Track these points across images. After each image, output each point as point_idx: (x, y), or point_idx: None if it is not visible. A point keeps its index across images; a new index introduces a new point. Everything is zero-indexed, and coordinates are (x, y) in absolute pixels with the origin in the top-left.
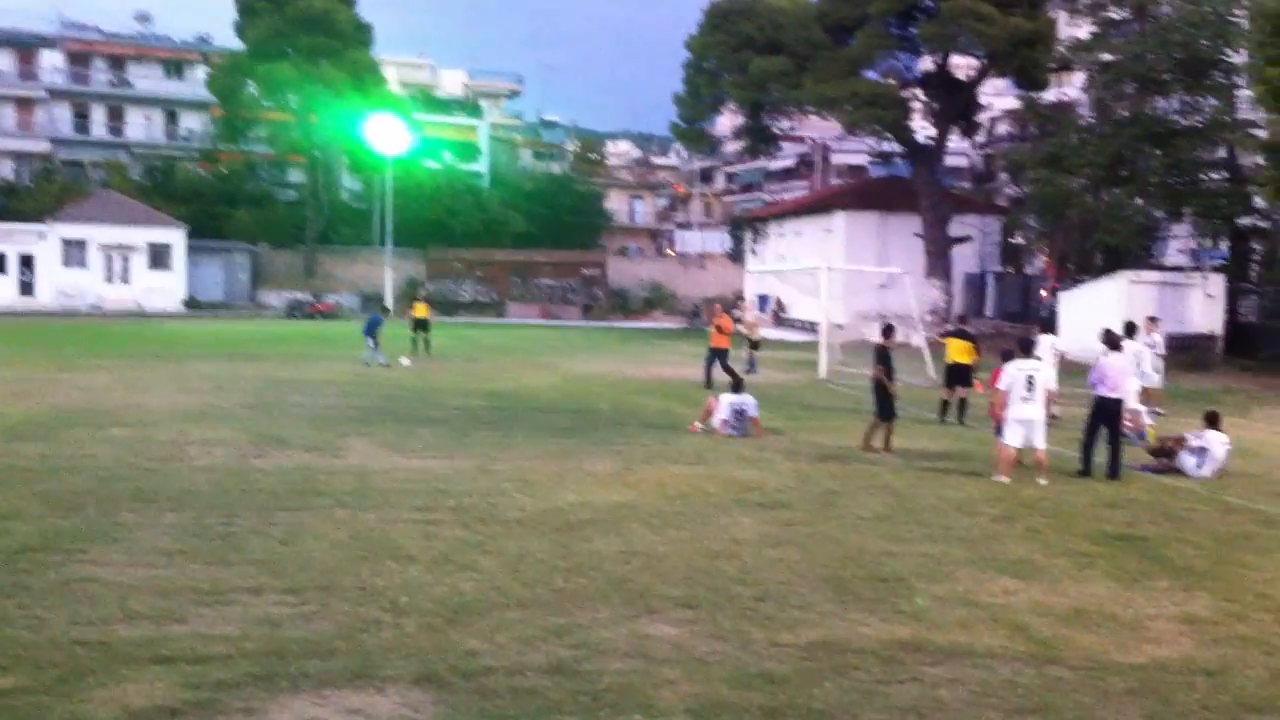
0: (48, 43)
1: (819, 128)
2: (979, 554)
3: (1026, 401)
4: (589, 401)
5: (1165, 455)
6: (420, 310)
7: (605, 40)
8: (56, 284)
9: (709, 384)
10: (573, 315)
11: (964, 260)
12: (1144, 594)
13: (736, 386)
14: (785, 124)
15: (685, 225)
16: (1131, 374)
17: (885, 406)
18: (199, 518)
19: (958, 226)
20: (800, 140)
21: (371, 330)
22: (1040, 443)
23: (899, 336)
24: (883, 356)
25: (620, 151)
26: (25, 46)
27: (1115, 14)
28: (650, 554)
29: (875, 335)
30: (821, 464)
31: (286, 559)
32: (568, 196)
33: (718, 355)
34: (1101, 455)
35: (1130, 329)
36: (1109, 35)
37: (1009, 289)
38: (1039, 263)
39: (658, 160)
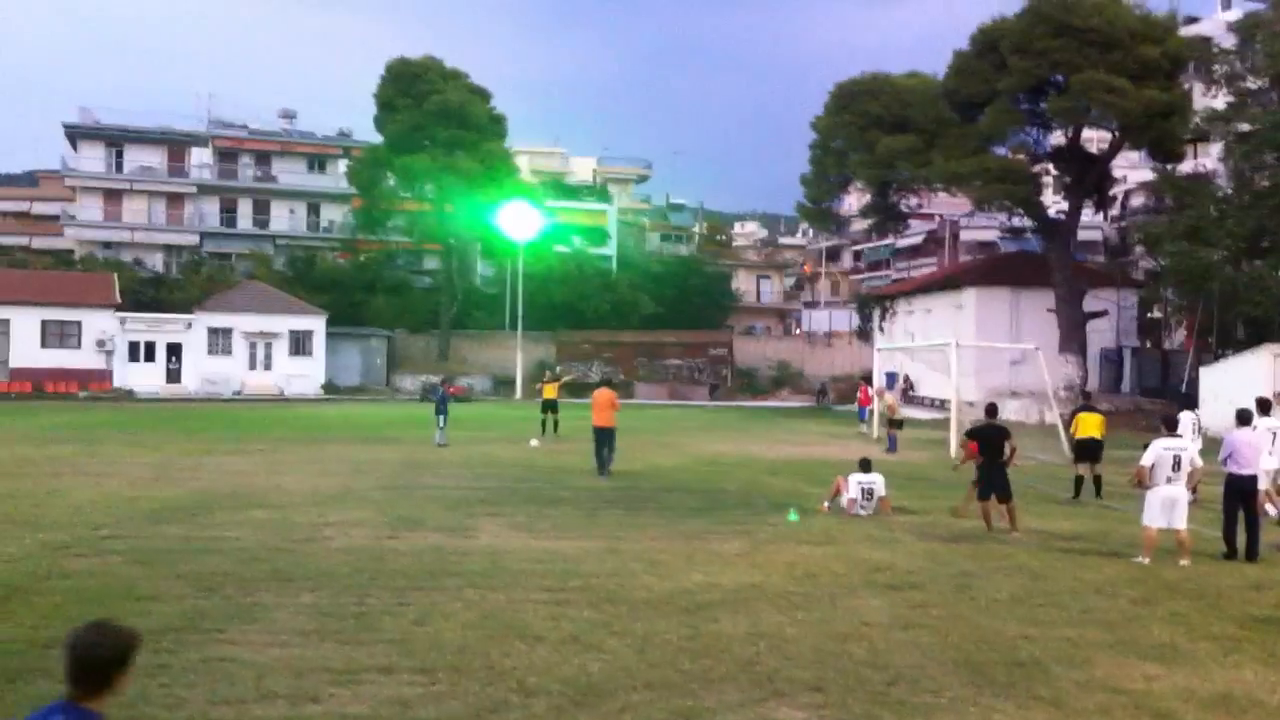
0: (197, 140)
1: (947, 204)
2: (1119, 638)
3: (1171, 482)
4: (716, 481)
5: None
6: (549, 391)
7: (733, 123)
8: (202, 371)
9: (603, 470)
10: (700, 395)
11: (1100, 335)
12: None
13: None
14: (913, 201)
15: (812, 304)
16: (1265, 450)
17: (1004, 485)
18: (334, 598)
19: (1093, 301)
20: (928, 217)
21: (442, 408)
22: (1182, 523)
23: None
24: (1003, 433)
25: (747, 232)
26: (176, 144)
27: (1252, 84)
28: (778, 636)
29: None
30: (954, 544)
31: (418, 639)
32: (695, 278)
33: (602, 436)
34: (1244, 536)
35: (1265, 405)
36: (1247, 105)
37: (1147, 364)
38: (1178, 337)
39: (785, 240)
